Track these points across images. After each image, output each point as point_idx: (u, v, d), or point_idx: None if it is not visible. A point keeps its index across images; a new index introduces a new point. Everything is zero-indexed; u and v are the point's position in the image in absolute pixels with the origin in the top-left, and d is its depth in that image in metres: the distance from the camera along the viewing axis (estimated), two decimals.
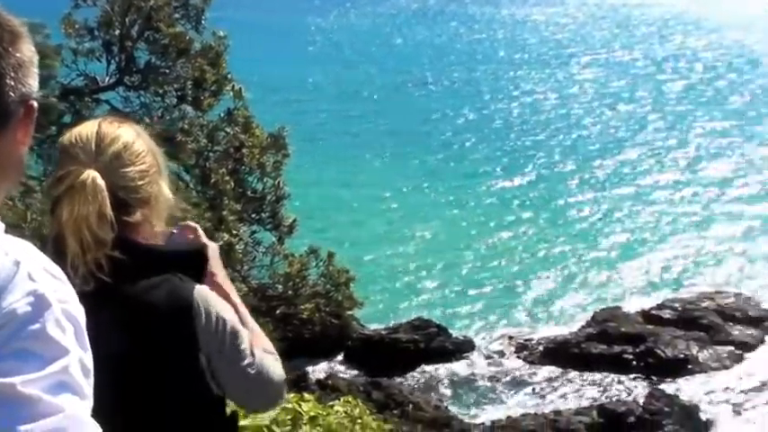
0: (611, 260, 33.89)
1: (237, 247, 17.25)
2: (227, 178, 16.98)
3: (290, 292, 18.24)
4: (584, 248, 35.05)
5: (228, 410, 3.21)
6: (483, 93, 60.40)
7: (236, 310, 3.13)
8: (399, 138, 49.63)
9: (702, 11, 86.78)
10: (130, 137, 3.01)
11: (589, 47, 74.87)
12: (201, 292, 3.02)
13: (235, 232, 16.98)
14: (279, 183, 17.96)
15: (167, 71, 17.25)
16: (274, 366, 3.16)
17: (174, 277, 3.02)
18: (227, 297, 3.14)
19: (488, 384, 25.57)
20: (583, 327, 27.83)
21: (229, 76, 17.54)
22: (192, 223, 3.32)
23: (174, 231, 3.25)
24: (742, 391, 24.65)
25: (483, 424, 23.37)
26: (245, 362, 3.03)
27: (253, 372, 3.05)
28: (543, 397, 25.10)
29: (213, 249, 3.25)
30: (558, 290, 31.49)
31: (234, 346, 3.01)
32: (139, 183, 2.99)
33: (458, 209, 39.13)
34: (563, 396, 24.97)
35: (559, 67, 67.90)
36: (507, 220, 37.61)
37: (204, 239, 3.28)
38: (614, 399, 24.13)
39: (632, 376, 25.38)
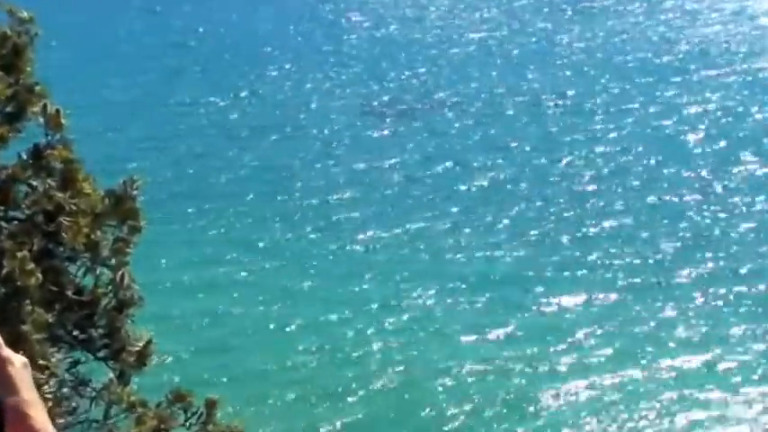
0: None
1: (46, 387, 16.26)
2: (32, 266, 15.97)
3: None
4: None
5: None
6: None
7: None
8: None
9: None
10: None
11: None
12: None
13: (42, 362, 15.99)
14: (123, 276, 17.01)
15: None
16: None
17: None
18: None
19: None
20: None
21: (38, 88, 16.61)
22: None
23: None
24: None
25: None
26: None
27: None
28: None
29: (18, 369, 3.45)
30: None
31: None
32: None
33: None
34: None
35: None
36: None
37: (4, 351, 3.47)
38: None
39: None
